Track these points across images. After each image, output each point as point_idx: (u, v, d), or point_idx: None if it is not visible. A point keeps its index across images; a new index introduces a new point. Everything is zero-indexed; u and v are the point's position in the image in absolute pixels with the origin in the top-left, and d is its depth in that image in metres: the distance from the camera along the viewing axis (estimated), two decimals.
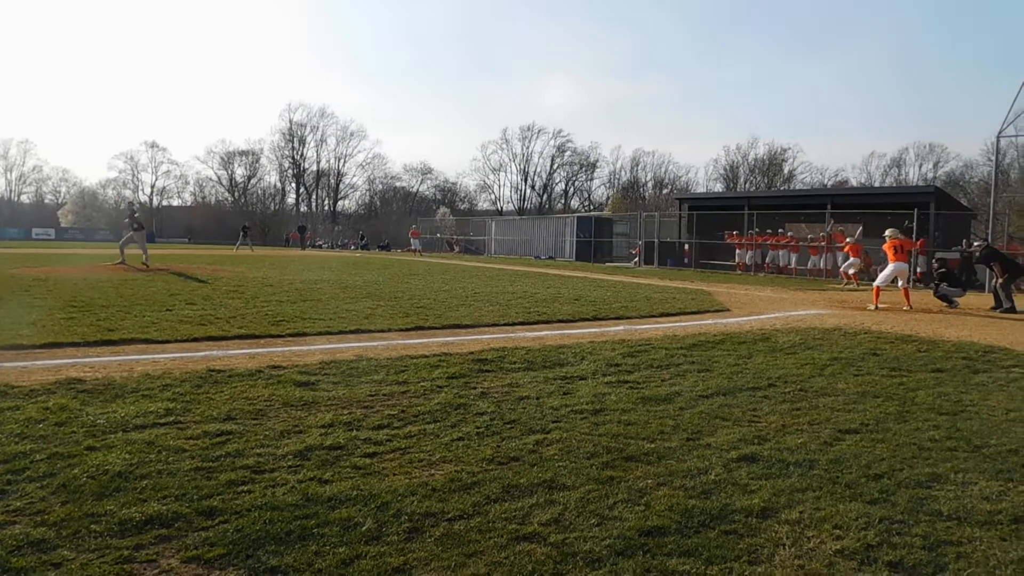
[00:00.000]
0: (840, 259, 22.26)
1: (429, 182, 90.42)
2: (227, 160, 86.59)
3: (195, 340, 7.24)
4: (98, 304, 9.96)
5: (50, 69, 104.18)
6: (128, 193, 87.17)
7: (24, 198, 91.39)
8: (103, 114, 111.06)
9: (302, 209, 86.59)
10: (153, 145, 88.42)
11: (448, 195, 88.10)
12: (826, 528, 3.04)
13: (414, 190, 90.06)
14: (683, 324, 9.85)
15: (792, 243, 26.58)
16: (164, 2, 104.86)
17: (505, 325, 9.25)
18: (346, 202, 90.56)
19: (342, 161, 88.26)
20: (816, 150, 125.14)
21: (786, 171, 78.15)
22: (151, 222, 74.42)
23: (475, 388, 5.47)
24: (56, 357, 6.21)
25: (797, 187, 69.70)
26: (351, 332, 8.20)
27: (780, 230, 27.52)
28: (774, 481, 3.57)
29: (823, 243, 24.65)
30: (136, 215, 21.66)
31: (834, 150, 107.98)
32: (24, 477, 3.31)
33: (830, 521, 3.10)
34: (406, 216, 73.00)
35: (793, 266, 26.19)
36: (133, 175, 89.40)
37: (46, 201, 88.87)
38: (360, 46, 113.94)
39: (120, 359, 6.20)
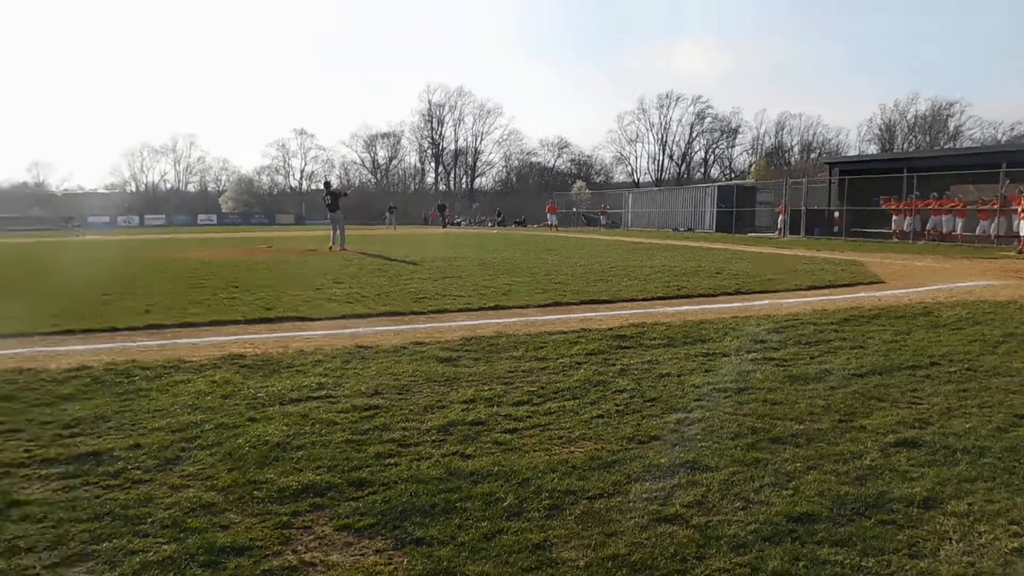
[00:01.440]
0: (1016, 224, 20.18)
1: (565, 156, 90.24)
2: (370, 143, 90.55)
3: (344, 317, 7.67)
4: (256, 284, 10.75)
5: (209, 68, 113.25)
6: (280, 179, 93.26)
7: (190, 187, 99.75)
8: (257, 106, 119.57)
9: (440, 188, 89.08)
10: (302, 132, 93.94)
11: (584, 169, 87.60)
12: (1000, 523, 2.79)
13: (550, 165, 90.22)
14: (833, 297, 9.31)
15: (959, 207, 24.32)
16: None
17: (643, 300, 9.13)
18: (483, 179, 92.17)
19: (479, 139, 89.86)
20: (988, 104, 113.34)
21: (951, 128, 71.41)
22: (300, 205, 79.16)
23: (614, 365, 5.44)
24: (220, 334, 6.77)
25: (965, 145, 63.58)
26: (490, 308, 8.38)
27: (947, 192, 25.29)
28: (938, 469, 3.32)
29: (996, 206, 22.41)
30: (332, 194, 20.55)
31: (1010, 103, 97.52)
32: (196, 445, 3.65)
33: (1005, 515, 2.85)
34: (542, 191, 73.23)
35: (959, 232, 23.95)
36: (284, 161, 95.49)
37: (208, 189, 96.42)
38: (497, 24, 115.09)
39: (276, 336, 6.67)
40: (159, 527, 2.77)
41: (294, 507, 2.97)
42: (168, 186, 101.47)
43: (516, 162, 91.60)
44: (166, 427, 3.91)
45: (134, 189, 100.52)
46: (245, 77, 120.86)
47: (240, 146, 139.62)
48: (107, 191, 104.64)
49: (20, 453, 3.54)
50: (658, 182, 79.62)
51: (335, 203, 20.31)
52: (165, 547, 2.61)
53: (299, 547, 2.66)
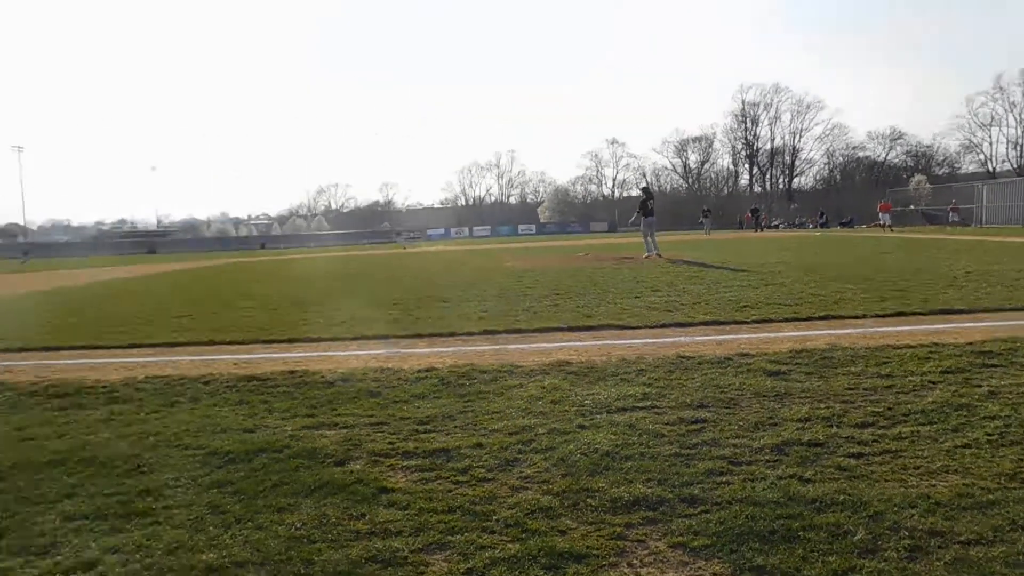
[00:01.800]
0: None
1: (899, 148, 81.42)
2: (681, 148, 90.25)
3: (663, 326, 7.63)
4: (575, 291, 11.19)
5: (528, 90, 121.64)
6: (593, 188, 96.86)
7: (511, 199, 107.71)
8: (573, 120, 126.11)
9: (755, 189, 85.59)
10: (613, 142, 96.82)
11: (922, 161, 78.13)
12: None
13: (880, 159, 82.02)
14: None
15: None
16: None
17: (1012, 311, 7.80)
18: (802, 179, 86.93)
19: (797, 136, 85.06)
20: None
21: None
22: (612, 212, 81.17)
23: (979, 386, 4.69)
24: (546, 340, 7.13)
25: None
26: (819, 318, 7.77)
27: None
28: None
29: None
30: (647, 199, 20.39)
31: None
32: (531, 448, 3.85)
33: None
34: (872, 188, 66.79)
35: None
36: (597, 171, 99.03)
37: (528, 200, 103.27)
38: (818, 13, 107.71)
39: (599, 343, 6.84)
40: (503, 525, 2.95)
41: (627, 518, 2.97)
42: (492, 199, 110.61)
43: (840, 158, 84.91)
44: (503, 429, 4.19)
45: (463, 203, 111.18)
46: (561, 95, 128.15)
47: (556, 158, 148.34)
48: (441, 206, 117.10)
49: (385, 444, 4.03)
50: (1021, 171, 68.16)
51: (649, 208, 20.24)
52: (509, 546, 2.77)
53: (634, 560, 2.65)
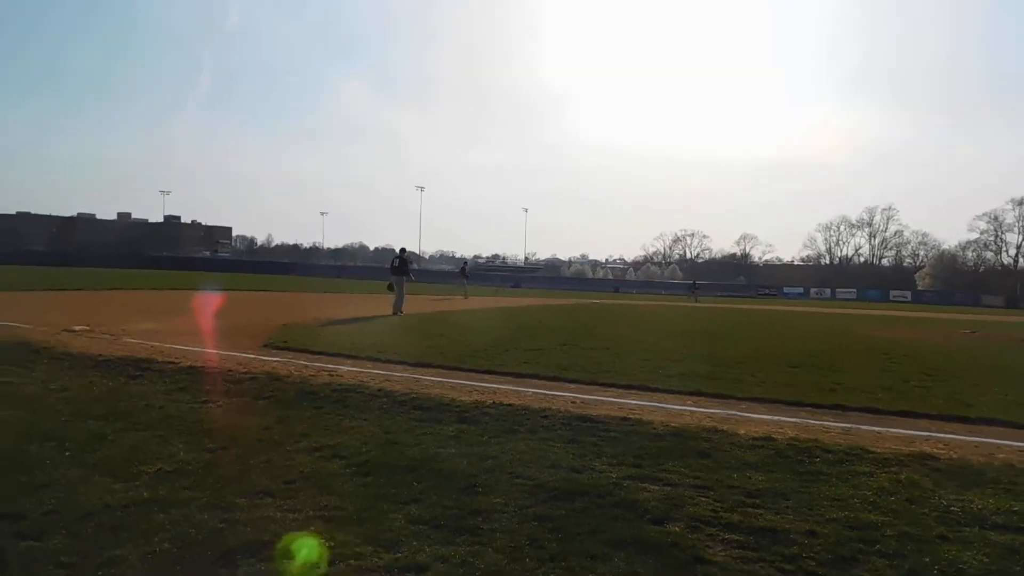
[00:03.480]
0: None
1: None
2: None
3: None
4: (953, 374, 9.75)
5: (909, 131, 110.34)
6: (989, 255, 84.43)
7: (884, 261, 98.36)
8: (968, 172, 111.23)
9: None
10: (1022, 202, 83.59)
11: None
12: None
13: None
14: None
15: None
16: None
17: None
18: None
19: None
20: None
21: None
22: (1014, 285, 69.85)
23: None
24: (908, 427, 6.28)
25: None
26: None
27: None
28: None
29: None
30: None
31: None
32: (874, 550, 3.37)
33: None
34: None
35: None
36: (996, 235, 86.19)
37: (904, 264, 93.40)
38: None
39: (977, 440, 5.84)
40: None
41: None
42: (861, 259, 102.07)
43: None
44: (843, 520, 3.74)
45: (828, 262, 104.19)
46: (951, 143, 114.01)
47: (943, 218, 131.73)
48: (801, 263, 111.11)
49: (708, 510, 3.85)
50: None
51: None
52: None
53: None
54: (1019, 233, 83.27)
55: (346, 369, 8.32)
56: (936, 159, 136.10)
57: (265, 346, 10.15)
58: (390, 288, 19.41)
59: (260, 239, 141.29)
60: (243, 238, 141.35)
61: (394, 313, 18.01)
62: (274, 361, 8.70)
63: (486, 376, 8.31)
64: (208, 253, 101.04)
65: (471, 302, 28.91)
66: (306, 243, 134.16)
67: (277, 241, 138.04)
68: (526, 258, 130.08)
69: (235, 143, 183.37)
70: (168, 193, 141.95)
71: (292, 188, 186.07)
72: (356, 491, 3.98)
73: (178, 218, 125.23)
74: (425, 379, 7.88)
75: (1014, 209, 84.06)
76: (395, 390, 7.02)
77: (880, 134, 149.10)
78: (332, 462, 4.52)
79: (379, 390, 6.98)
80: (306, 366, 8.39)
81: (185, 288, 27.36)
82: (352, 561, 3.10)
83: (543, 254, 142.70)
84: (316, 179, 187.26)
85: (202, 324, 13.90)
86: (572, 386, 7.85)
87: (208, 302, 20.48)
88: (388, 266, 19.81)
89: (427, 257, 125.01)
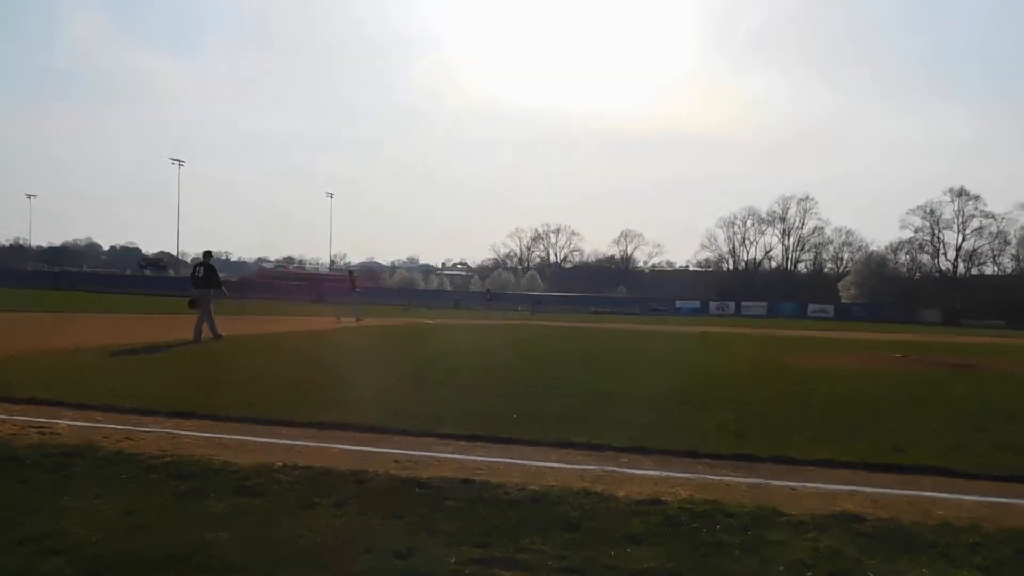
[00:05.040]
0: None
1: None
2: None
3: (1017, 479, 6.91)
4: (880, 411, 10.53)
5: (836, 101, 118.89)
6: (925, 260, 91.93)
7: (801, 266, 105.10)
8: (896, 165, 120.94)
9: None
10: (961, 194, 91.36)
11: None
12: None
13: None
14: None
15: None
16: None
17: None
18: None
19: None
20: None
21: None
22: (953, 298, 76.44)
23: None
24: (831, 479, 6.70)
25: None
26: None
27: None
28: None
29: None
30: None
31: None
32: None
33: None
34: None
35: None
36: (933, 235, 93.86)
37: (824, 270, 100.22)
38: None
39: (910, 493, 6.32)
40: None
41: None
42: (773, 264, 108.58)
43: None
44: None
45: (731, 267, 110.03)
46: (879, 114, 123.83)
47: (870, 215, 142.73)
48: (699, 268, 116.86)
49: None
50: None
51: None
52: None
53: None
54: (958, 231, 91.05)
55: (67, 424, 7.90)
56: (863, 141, 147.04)
57: None
58: (192, 305, 19.41)
59: None
60: None
61: (196, 339, 18.32)
62: None
63: (279, 428, 8.14)
64: None
65: (268, 324, 28.23)
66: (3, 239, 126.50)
67: None
68: (333, 262, 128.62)
69: None
70: None
71: None
72: None
73: None
74: (187, 435, 7.62)
75: (952, 201, 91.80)
76: (143, 452, 6.74)
77: (796, 108, 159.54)
78: (47, 560, 4.25)
79: (117, 453, 6.67)
80: (4, 420, 7.90)
81: None
82: None
83: (357, 256, 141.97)
84: (20, 148, 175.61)
85: None
86: (398, 438, 7.82)
87: None
88: (189, 276, 20.02)
89: (189, 261, 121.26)
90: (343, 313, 35.91)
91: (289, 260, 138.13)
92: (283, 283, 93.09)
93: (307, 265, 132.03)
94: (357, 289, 39.23)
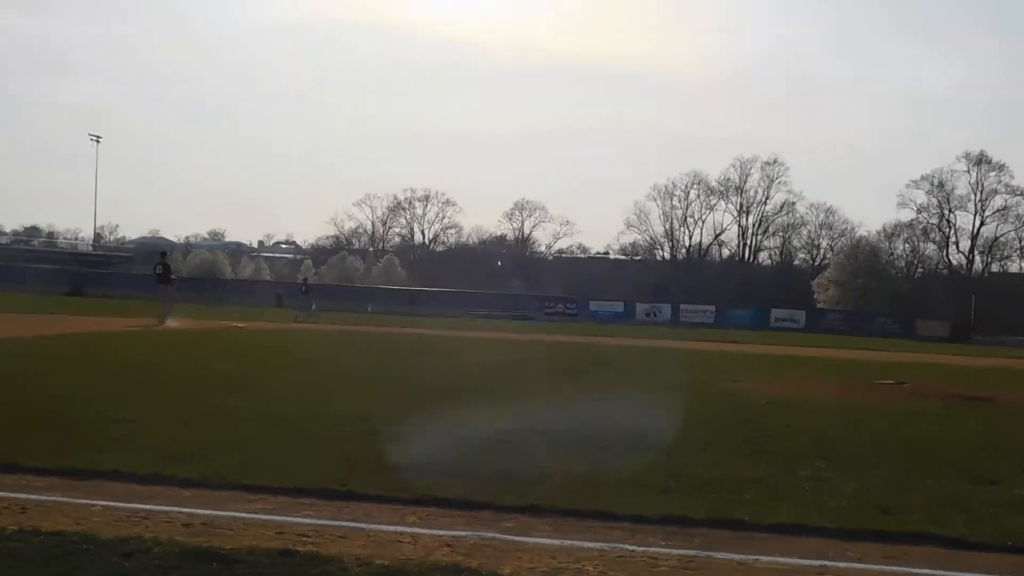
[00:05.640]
0: None
1: None
2: None
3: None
4: (865, 455, 10.83)
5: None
6: (929, 250, 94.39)
7: (763, 256, 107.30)
8: (896, 116, 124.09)
9: None
10: (980, 160, 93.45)
11: None
12: None
13: None
14: None
15: None
16: None
17: None
18: None
19: None
20: None
21: None
22: (967, 302, 78.83)
23: None
24: (792, 551, 6.89)
25: None
26: None
27: None
28: None
29: None
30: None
31: None
32: None
33: None
34: None
35: None
36: (941, 215, 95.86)
37: (796, 262, 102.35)
38: None
39: (900, 571, 6.52)
40: None
41: None
42: (725, 253, 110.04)
43: None
44: None
45: (668, 255, 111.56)
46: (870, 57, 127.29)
47: (858, 187, 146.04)
48: (623, 257, 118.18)
49: None
50: None
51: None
52: None
53: None
54: (976, 212, 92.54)
55: None
56: (851, 85, 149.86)
57: None
58: None
59: None
60: None
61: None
62: None
63: (7, 477, 7.98)
64: None
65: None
66: None
67: None
68: (98, 235, 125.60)
69: None
70: None
71: None
72: None
73: None
74: None
75: (969, 171, 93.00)
76: None
77: (762, 37, 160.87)
78: None
79: None
80: None
81: None
82: None
83: (134, 231, 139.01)
84: None
85: None
86: (189, 492, 7.73)
87: None
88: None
89: None
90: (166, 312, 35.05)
91: (34, 232, 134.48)
92: (27, 267, 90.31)
93: (60, 240, 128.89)
94: (173, 277, 38.61)
